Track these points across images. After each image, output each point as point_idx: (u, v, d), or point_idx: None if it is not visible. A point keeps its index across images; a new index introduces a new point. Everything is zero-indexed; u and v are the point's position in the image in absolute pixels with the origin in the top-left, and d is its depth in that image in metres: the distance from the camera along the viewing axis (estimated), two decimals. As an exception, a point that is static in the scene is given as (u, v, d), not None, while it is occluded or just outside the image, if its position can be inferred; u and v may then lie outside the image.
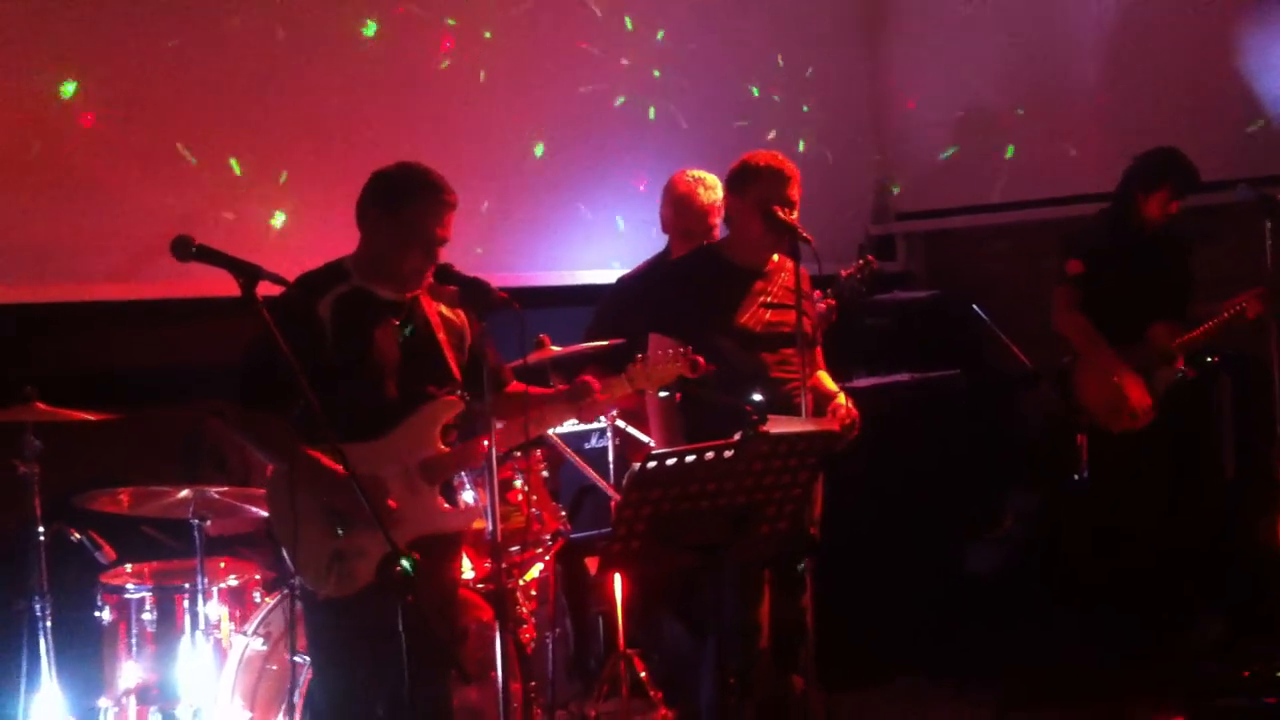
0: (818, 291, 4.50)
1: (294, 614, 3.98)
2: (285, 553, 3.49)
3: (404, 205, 3.48)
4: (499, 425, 3.52)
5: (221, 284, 3.21)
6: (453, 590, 3.79)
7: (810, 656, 4.01)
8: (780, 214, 3.99)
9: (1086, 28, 6.40)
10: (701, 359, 3.64)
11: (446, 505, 3.60)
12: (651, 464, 3.16)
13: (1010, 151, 6.72)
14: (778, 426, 3.30)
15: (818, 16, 6.90)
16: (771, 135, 6.43)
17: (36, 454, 4.03)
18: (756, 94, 6.61)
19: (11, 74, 4.61)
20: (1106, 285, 5.31)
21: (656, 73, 6.27)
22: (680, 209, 4.79)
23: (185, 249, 3.05)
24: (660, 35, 6.27)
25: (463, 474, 4.05)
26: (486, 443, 3.40)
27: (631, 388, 3.69)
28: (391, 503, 3.40)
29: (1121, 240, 5.36)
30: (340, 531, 3.39)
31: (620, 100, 6.15)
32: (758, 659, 3.99)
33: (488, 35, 5.74)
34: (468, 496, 4.25)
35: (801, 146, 6.49)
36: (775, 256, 4.20)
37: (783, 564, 4.02)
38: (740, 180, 4.13)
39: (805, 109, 6.80)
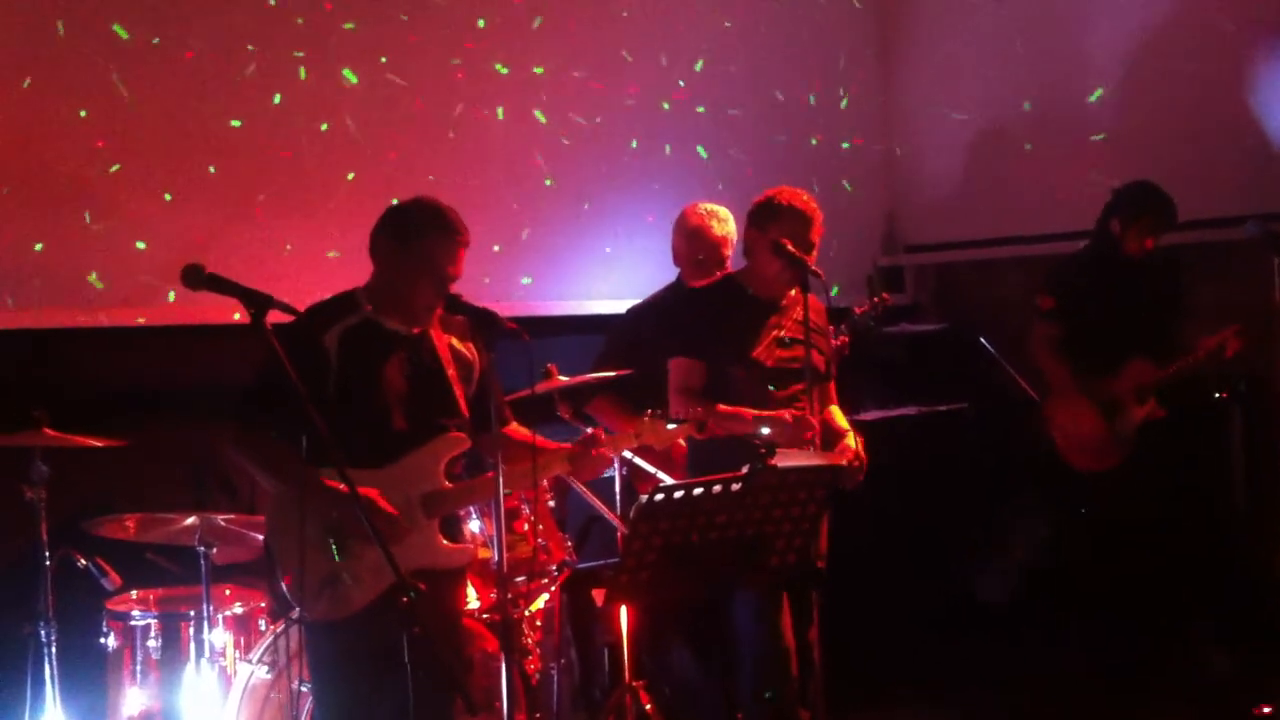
0: (832, 327, 4.51)
1: (291, 643, 4.00)
2: (279, 573, 3.48)
3: (416, 241, 3.49)
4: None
5: (231, 311, 3.23)
6: (456, 620, 3.78)
7: (819, 691, 3.99)
8: (797, 254, 4.00)
9: (1097, 62, 6.41)
10: (711, 422, 3.67)
11: (444, 541, 3.59)
12: (660, 496, 3.17)
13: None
14: (786, 460, 3.30)
15: (829, 50, 6.92)
16: (781, 169, 6.45)
17: (44, 479, 4.03)
18: (766, 127, 6.63)
19: (27, 99, 4.64)
20: (1084, 319, 5.31)
21: (666, 105, 6.29)
22: (693, 241, 4.81)
23: (196, 277, 3.06)
24: (664, 61, 6.30)
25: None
26: (492, 476, 3.39)
27: (638, 443, 3.71)
28: (395, 513, 3.37)
29: (1100, 273, 5.36)
30: (337, 555, 3.38)
31: (633, 138, 6.18)
32: (791, 685, 3.98)
33: (502, 71, 5.77)
34: (473, 526, 4.24)
35: (810, 176, 6.51)
36: (792, 291, 4.20)
37: (790, 595, 4.01)
38: (763, 216, 4.15)
39: (814, 141, 6.82)
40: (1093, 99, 6.42)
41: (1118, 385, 5.26)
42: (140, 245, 4.86)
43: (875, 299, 5.01)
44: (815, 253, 4.10)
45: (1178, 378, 5.21)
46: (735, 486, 3.24)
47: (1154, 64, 6.19)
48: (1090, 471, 5.31)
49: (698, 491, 3.20)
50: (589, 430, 3.73)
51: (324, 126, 5.28)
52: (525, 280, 5.80)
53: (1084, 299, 5.33)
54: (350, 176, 5.31)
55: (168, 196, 4.93)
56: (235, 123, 5.08)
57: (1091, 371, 5.29)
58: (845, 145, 6.94)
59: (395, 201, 3.65)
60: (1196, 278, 5.51)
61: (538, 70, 5.87)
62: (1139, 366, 5.24)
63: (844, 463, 3.91)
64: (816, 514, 3.44)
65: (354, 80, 5.35)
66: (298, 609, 3.49)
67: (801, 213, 4.09)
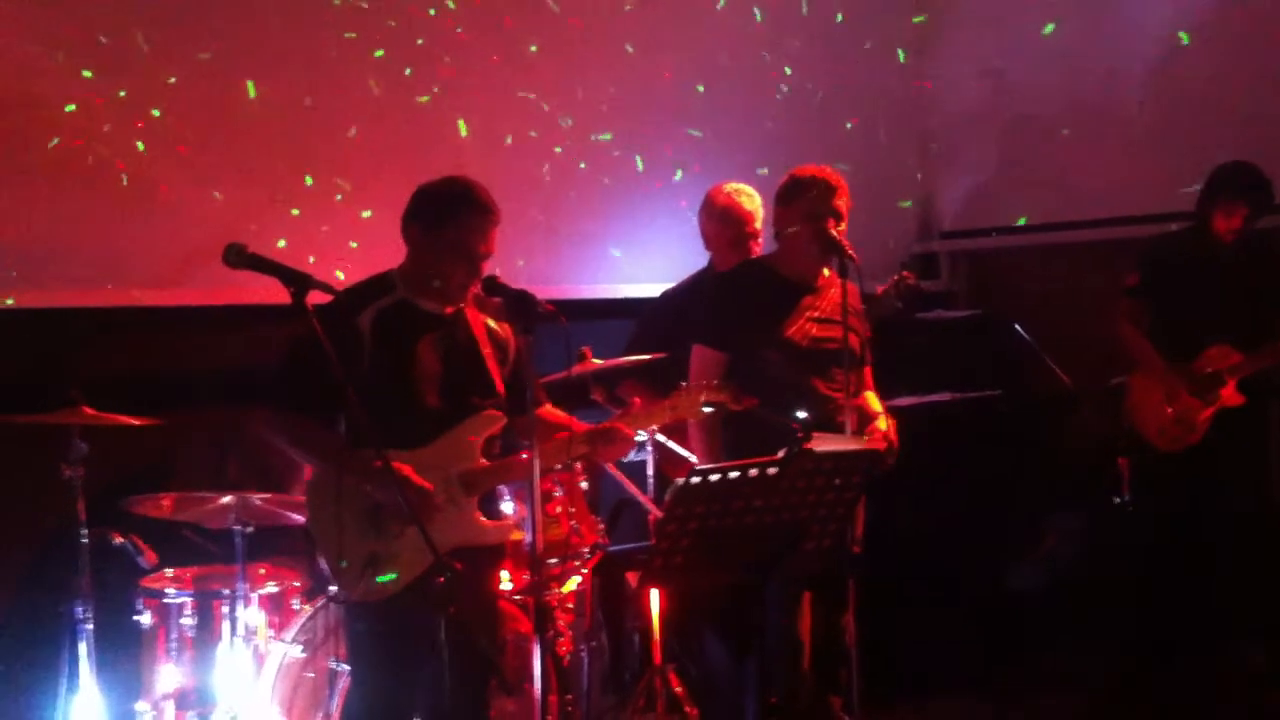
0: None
1: (325, 623, 4.02)
2: (320, 555, 3.49)
3: (447, 221, 3.50)
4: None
5: (268, 291, 3.23)
6: (492, 601, 3.78)
7: (852, 677, 3.98)
8: (831, 230, 3.98)
9: (1137, 45, 6.34)
10: (747, 398, 3.64)
11: (484, 519, 3.60)
12: (696, 479, 3.15)
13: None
14: (823, 444, 3.28)
15: (865, 34, 6.87)
16: (815, 153, 6.40)
17: (82, 458, 4.06)
18: (800, 110, 6.59)
19: (60, 77, 4.66)
20: (1168, 300, 5.27)
21: (700, 88, 6.26)
22: (723, 219, 4.79)
23: (238, 256, 3.08)
24: (698, 43, 6.26)
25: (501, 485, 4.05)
26: (526, 456, 3.39)
27: (673, 416, 3.69)
28: (429, 486, 3.37)
29: (1190, 254, 5.29)
30: (377, 535, 3.39)
31: (665, 121, 6.15)
32: (801, 678, 3.96)
33: (533, 49, 5.75)
34: (505, 508, 4.25)
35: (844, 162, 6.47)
36: (826, 272, 4.18)
37: (824, 582, 3.99)
38: (788, 193, 4.15)
39: (849, 126, 6.77)
40: (1132, 84, 6.35)
41: (1198, 367, 5.20)
42: (177, 225, 4.87)
43: (896, 276, 4.94)
44: (845, 223, 4.06)
45: (1261, 366, 5.15)
46: (771, 470, 3.22)
47: (1196, 48, 6.12)
48: (1172, 454, 5.24)
49: (733, 475, 3.18)
50: (632, 401, 3.71)
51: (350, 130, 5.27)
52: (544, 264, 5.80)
53: (1171, 279, 5.26)
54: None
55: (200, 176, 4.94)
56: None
57: (1171, 352, 5.23)
58: (881, 129, 6.89)
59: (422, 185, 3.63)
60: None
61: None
62: (1221, 350, 5.18)
63: (882, 447, 3.89)
64: (852, 499, 3.42)
65: (380, 54, 5.34)
66: (336, 589, 3.50)
67: (824, 182, 4.07)
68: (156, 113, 4.83)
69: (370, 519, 3.41)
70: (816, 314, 4.13)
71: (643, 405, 3.68)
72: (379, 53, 5.33)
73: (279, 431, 3.55)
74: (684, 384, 3.73)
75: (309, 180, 5.17)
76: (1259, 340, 5.17)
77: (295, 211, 5.11)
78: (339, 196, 5.22)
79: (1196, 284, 5.24)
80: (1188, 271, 5.26)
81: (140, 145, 4.81)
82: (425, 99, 5.45)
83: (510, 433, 3.69)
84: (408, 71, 5.41)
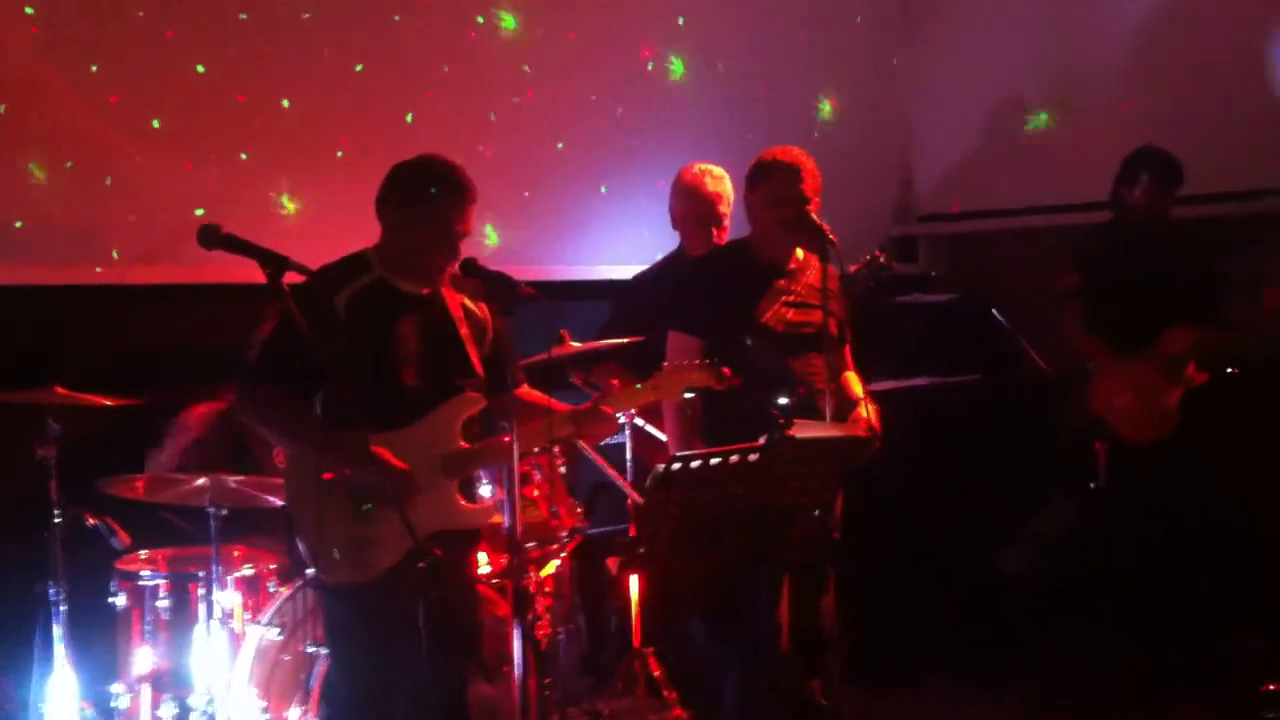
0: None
1: (302, 606, 4.00)
2: (299, 538, 3.47)
3: (423, 200, 3.47)
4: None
5: (245, 271, 3.20)
6: (470, 584, 3.77)
7: (836, 660, 3.97)
8: (812, 214, 3.96)
9: (1116, 32, 6.35)
10: (728, 370, 3.58)
11: (464, 502, 3.58)
12: (676, 465, 3.14)
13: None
14: (805, 431, 3.28)
15: (846, 14, 6.86)
16: (794, 134, 6.39)
17: (55, 438, 4.02)
18: (781, 92, 6.57)
19: (41, 57, 4.60)
20: (1112, 292, 5.28)
21: (679, 64, 6.23)
22: (688, 199, 4.79)
23: (212, 237, 3.05)
24: (681, 21, 6.23)
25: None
26: (508, 439, 3.37)
27: (655, 396, 3.65)
28: (406, 468, 3.35)
29: (1121, 245, 5.33)
30: (358, 518, 3.37)
31: (640, 102, 6.12)
32: (781, 661, 3.95)
33: (511, 26, 5.71)
34: (484, 491, 4.23)
35: (823, 144, 6.46)
36: (800, 254, 4.16)
37: (803, 566, 3.97)
38: (752, 177, 4.12)
39: (826, 109, 6.76)
40: (1113, 70, 6.36)
41: (1159, 351, 5.21)
42: (154, 204, 4.82)
43: (868, 256, 4.93)
44: (814, 206, 4.03)
45: (1220, 344, 5.17)
46: (753, 457, 3.21)
47: (1180, 32, 6.13)
48: (1143, 444, 5.25)
49: (715, 461, 3.17)
50: (612, 383, 3.68)
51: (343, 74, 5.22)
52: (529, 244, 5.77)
53: (1107, 272, 5.29)
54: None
55: (161, 141, 4.88)
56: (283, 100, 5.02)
57: (1125, 344, 5.25)
58: (857, 113, 6.88)
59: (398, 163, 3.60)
60: (1228, 250, 5.47)
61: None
62: (1177, 332, 5.19)
63: (864, 433, 3.87)
64: (834, 486, 3.42)
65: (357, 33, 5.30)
66: (315, 572, 3.48)
67: (787, 165, 4.01)
68: (134, 90, 4.77)
69: (349, 499, 3.38)
70: (791, 298, 4.11)
71: (622, 387, 3.66)
72: (355, 32, 5.29)
73: (254, 411, 3.52)
74: (665, 364, 3.70)
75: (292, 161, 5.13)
76: (1205, 322, 5.19)
77: (279, 195, 5.07)
78: (339, 153, 5.17)
79: (1134, 273, 5.27)
80: (1127, 259, 5.29)
81: (116, 122, 4.75)
82: (408, 77, 5.41)
83: (489, 414, 3.67)
84: (388, 52, 5.36)
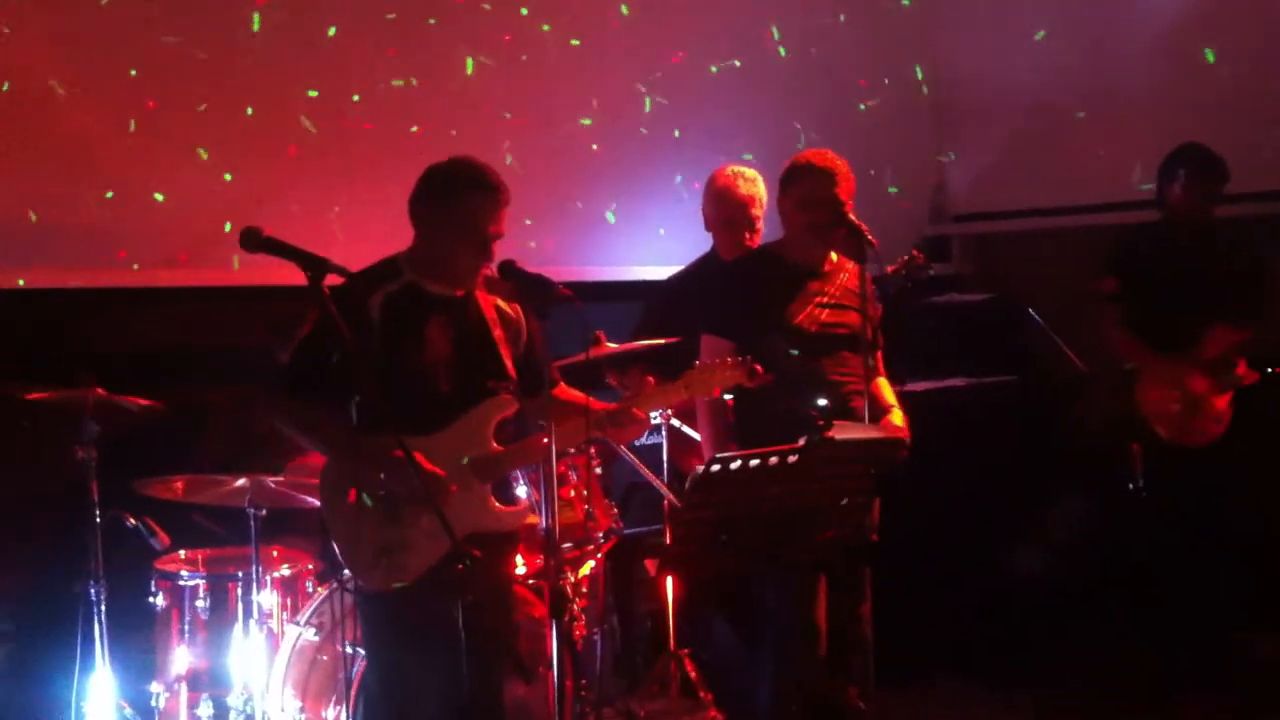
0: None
1: (340, 606, 4.00)
2: (334, 543, 3.47)
3: (456, 203, 3.45)
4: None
5: (281, 273, 3.22)
6: (507, 585, 3.77)
7: (870, 667, 3.96)
8: (851, 215, 3.95)
9: (1153, 28, 6.30)
10: (760, 367, 3.56)
11: (498, 505, 3.58)
12: (715, 467, 3.14)
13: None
14: (844, 432, 3.26)
15: (878, 15, 6.83)
16: (828, 134, 6.38)
17: (95, 439, 4.05)
18: (815, 92, 6.56)
19: (76, 61, 4.63)
20: (1154, 292, 5.22)
21: (714, 69, 6.23)
22: (721, 201, 4.78)
23: (254, 240, 3.07)
24: (709, 21, 6.21)
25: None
26: (546, 440, 3.36)
27: (688, 394, 3.63)
28: (441, 472, 3.34)
29: (1163, 244, 5.28)
30: (392, 523, 3.37)
31: (673, 101, 6.12)
32: (816, 665, 3.94)
33: (546, 29, 5.72)
34: (520, 492, 4.23)
35: (857, 144, 6.43)
36: (834, 256, 4.15)
37: (840, 570, 3.96)
38: (785, 180, 4.11)
39: (862, 108, 6.73)
40: (1149, 67, 6.31)
41: (1204, 353, 5.16)
42: (188, 206, 4.86)
43: (905, 256, 4.91)
44: (848, 209, 4.02)
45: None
46: (791, 459, 3.20)
47: (1218, 27, 6.07)
48: (1187, 445, 5.20)
49: (753, 463, 3.16)
50: (646, 380, 3.66)
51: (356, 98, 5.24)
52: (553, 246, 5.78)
53: (1148, 273, 5.24)
54: (414, 128, 5.27)
55: (204, 154, 4.92)
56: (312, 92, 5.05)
57: (1167, 345, 5.19)
58: (891, 114, 6.85)
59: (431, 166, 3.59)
60: (1273, 250, 5.39)
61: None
62: (1222, 332, 5.14)
63: (905, 434, 3.84)
64: (871, 488, 3.40)
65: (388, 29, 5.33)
66: (350, 577, 3.48)
67: (821, 169, 4.00)
68: (168, 95, 4.81)
69: (384, 507, 3.39)
70: (825, 299, 4.09)
71: (656, 385, 3.63)
72: (388, 20, 5.31)
73: (286, 417, 3.53)
74: (697, 363, 3.70)
75: (317, 160, 5.15)
76: (1247, 323, 5.14)
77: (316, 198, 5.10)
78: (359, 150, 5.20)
79: (1176, 273, 5.21)
80: (1163, 264, 5.24)
81: (150, 127, 4.79)
82: (438, 79, 5.42)
83: (523, 415, 3.67)
84: (417, 54, 5.38)
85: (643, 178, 6.04)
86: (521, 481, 4.24)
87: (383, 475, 3.35)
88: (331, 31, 5.18)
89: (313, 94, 5.14)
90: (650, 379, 3.63)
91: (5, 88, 4.55)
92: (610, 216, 5.92)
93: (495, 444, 3.53)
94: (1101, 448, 5.55)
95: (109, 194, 4.72)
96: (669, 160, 6.08)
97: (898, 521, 4.29)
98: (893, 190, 6.85)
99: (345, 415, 3.43)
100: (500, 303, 3.64)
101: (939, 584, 5.45)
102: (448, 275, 3.52)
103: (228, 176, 4.93)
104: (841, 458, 3.28)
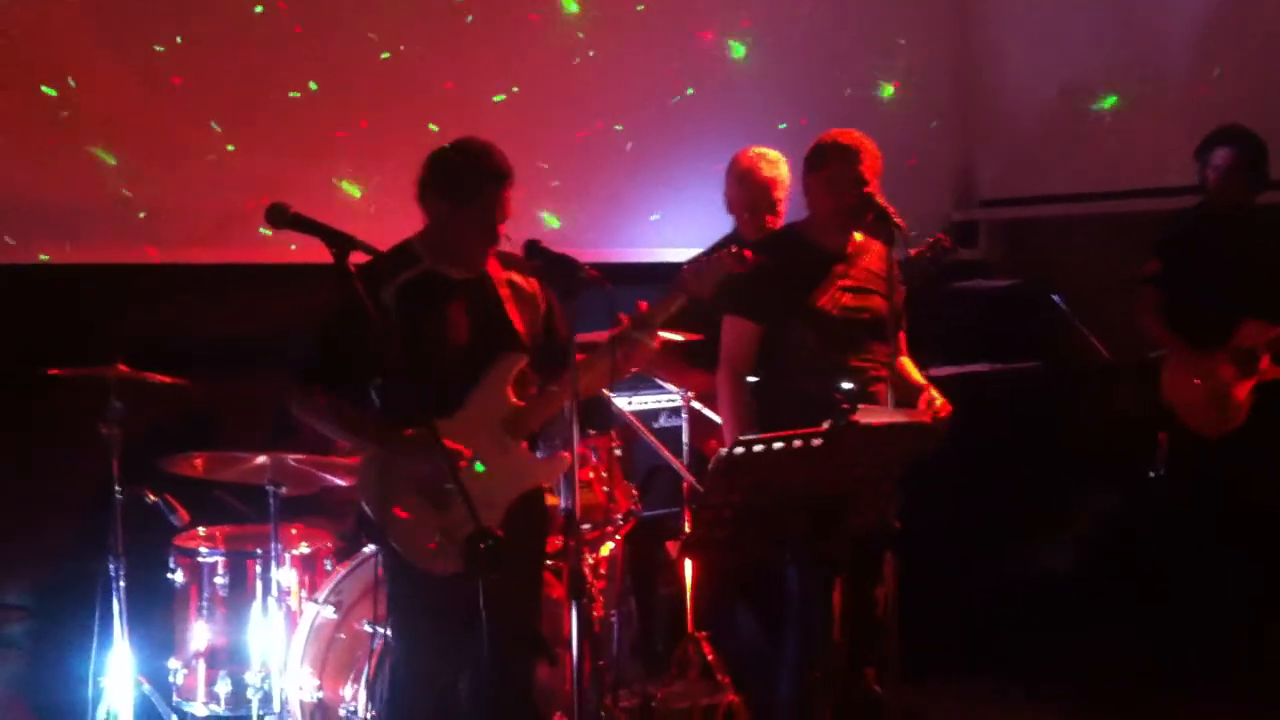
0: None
1: (359, 583, 3.99)
2: (393, 542, 3.44)
3: (460, 190, 3.46)
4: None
5: (306, 251, 3.20)
6: (538, 572, 3.77)
7: (892, 650, 3.93)
8: (879, 198, 3.91)
9: (1185, 13, 6.22)
10: (749, 252, 3.52)
11: (538, 456, 3.62)
12: (740, 450, 3.10)
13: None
14: (869, 417, 3.23)
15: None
16: (855, 116, 6.32)
17: (119, 416, 4.04)
18: (842, 74, 6.50)
19: (104, 38, 4.61)
20: (1191, 281, 5.17)
21: (740, 45, 6.17)
22: (743, 184, 4.74)
23: (281, 216, 3.05)
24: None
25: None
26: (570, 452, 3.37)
27: (687, 296, 3.57)
28: (464, 450, 3.34)
29: (1202, 229, 5.22)
30: (436, 507, 3.36)
31: (696, 84, 6.07)
32: (833, 651, 3.91)
33: (574, 10, 5.68)
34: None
35: (884, 127, 6.36)
36: (858, 237, 4.11)
37: (858, 554, 3.92)
38: (813, 158, 4.07)
39: (889, 91, 6.67)
40: (1183, 51, 6.23)
41: (1234, 344, 5.10)
42: (213, 183, 4.84)
43: (931, 239, 4.86)
44: (874, 188, 3.98)
45: None
46: (816, 442, 3.17)
47: (1252, 11, 5.99)
48: (1213, 436, 5.16)
49: (777, 446, 3.13)
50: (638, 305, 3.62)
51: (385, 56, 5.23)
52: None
53: (1192, 261, 5.18)
54: (434, 129, 5.24)
55: (222, 130, 4.89)
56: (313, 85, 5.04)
57: (1201, 334, 5.14)
58: (919, 96, 6.79)
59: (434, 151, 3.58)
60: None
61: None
62: (1255, 325, 5.08)
63: (929, 419, 3.79)
64: (897, 474, 3.37)
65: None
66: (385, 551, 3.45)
67: (848, 148, 3.97)
68: (195, 72, 4.79)
69: (428, 493, 3.38)
70: (849, 282, 4.05)
71: (650, 305, 3.58)
72: (417, 18, 5.30)
73: (311, 412, 3.54)
74: (687, 264, 3.63)
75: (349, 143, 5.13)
76: None
77: (340, 180, 5.08)
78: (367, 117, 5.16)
79: (1217, 263, 5.15)
80: (1206, 251, 5.18)
81: (177, 104, 4.77)
82: (465, 60, 5.39)
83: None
84: (442, 37, 5.35)
85: (670, 160, 6.00)
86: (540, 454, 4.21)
87: (403, 461, 3.34)
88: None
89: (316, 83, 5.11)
90: (643, 304, 3.58)
91: (30, 63, 4.54)
92: (615, 186, 5.86)
93: (516, 400, 3.54)
94: (1126, 436, 5.51)
95: (133, 169, 4.70)
96: (696, 141, 6.03)
97: (920, 508, 4.25)
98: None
99: (368, 402, 3.43)
100: (515, 277, 3.65)
101: (961, 571, 5.42)
102: (460, 258, 3.53)
103: (258, 156, 4.90)
104: (867, 442, 3.24)
